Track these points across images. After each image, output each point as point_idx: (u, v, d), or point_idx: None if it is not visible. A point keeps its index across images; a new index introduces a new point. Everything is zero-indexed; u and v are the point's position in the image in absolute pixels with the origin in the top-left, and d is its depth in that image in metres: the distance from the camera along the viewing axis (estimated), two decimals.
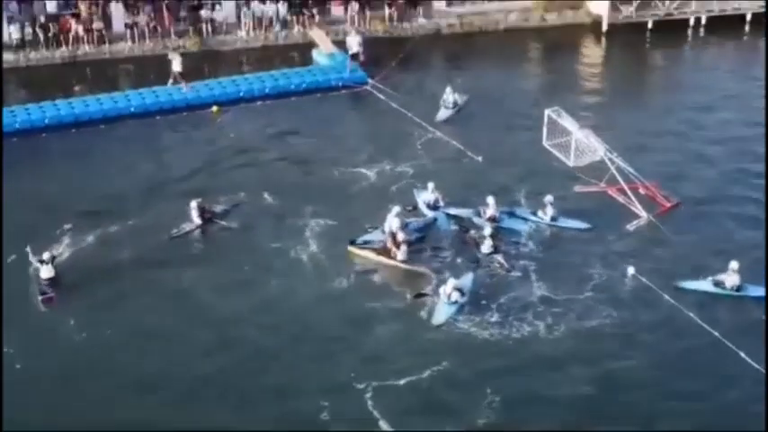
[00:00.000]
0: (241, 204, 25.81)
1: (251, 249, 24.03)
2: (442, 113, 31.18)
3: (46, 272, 22.18)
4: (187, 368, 20.07)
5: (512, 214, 25.28)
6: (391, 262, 23.43)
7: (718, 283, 22.27)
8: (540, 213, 25.06)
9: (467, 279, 22.39)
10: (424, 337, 20.96)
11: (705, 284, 22.34)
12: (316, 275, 23.02)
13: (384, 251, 23.60)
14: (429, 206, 25.48)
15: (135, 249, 23.86)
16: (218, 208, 25.40)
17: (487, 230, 23.73)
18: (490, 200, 25.02)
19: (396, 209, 24.45)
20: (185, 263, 23.58)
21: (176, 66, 32.44)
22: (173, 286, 22.64)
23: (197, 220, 24.68)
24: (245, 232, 24.79)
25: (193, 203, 24.74)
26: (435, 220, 25.21)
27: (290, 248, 23.89)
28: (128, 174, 27.68)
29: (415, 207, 25.63)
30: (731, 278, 22.16)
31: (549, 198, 25.06)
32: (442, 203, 25.47)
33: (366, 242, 24.04)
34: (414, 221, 24.87)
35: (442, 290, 21.71)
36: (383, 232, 24.14)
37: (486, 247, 23.56)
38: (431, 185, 25.67)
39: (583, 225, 24.82)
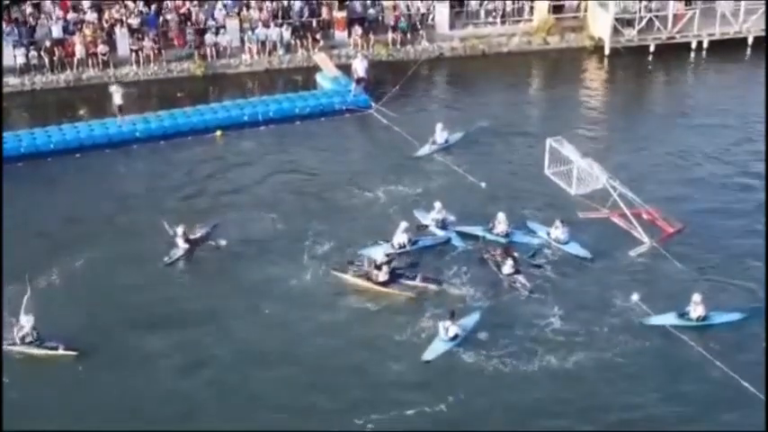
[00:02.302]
0: (221, 224, 25.78)
1: (249, 274, 24.08)
2: (425, 149, 30.24)
3: (29, 338, 21.58)
4: (182, 397, 20.12)
5: (524, 228, 25.44)
6: (369, 285, 23.29)
7: (682, 315, 22.20)
8: (551, 232, 25.15)
9: (471, 318, 22.11)
10: (427, 367, 20.88)
11: (670, 318, 22.23)
12: (314, 302, 23.01)
13: (364, 275, 23.54)
14: (438, 225, 25.52)
15: (131, 276, 23.95)
16: (202, 230, 25.50)
17: (506, 249, 23.81)
18: (501, 216, 25.12)
19: (403, 224, 24.66)
20: (180, 290, 23.71)
21: (117, 99, 31.95)
22: (167, 316, 22.59)
23: (184, 246, 24.92)
24: (244, 256, 24.84)
25: (179, 230, 24.94)
26: (449, 239, 25.21)
27: (291, 272, 23.96)
28: (130, 199, 27.77)
29: (427, 226, 25.66)
30: (695, 309, 22.11)
31: (558, 221, 25.13)
32: (452, 219, 25.51)
33: (364, 261, 23.98)
34: (423, 239, 25.01)
35: (441, 325, 21.43)
36: (392, 246, 24.32)
37: (507, 267, 23.50)
38: (438, 205, 25.72)
39: (585, 254, 24.78)
